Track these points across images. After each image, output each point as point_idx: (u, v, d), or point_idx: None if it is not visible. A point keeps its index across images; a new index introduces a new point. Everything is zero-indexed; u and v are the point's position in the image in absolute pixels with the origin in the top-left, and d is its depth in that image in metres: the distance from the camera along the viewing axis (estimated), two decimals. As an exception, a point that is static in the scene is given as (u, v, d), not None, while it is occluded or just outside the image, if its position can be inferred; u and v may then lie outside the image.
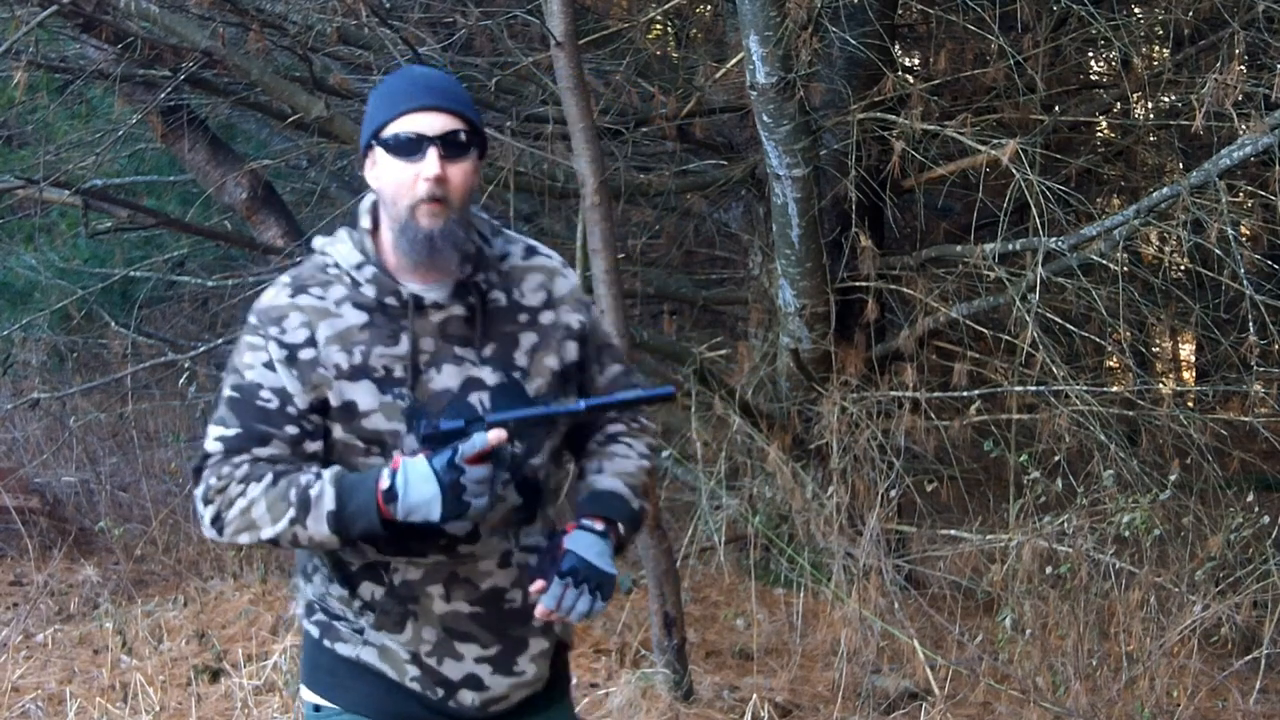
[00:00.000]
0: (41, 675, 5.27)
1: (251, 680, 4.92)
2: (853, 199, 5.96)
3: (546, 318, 2.29)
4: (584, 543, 2.18)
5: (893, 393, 5.92)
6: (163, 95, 6.26)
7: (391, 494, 2.08)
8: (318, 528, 2.12)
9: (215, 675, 5.16)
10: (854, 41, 5.88)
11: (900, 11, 6.75)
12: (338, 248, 2.25)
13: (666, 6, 6.89)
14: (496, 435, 2.09)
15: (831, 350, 6.14)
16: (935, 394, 6.00)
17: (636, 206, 7.22)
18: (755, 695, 4.77)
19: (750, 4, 5.20)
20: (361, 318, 2.20)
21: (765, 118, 5.54)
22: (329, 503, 2.11)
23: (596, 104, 5.98)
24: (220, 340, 8.58)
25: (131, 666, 5.28)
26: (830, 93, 6.06)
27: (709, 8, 7.76)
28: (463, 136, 2.18)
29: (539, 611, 2.16)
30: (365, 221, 2.26)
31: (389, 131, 2.17)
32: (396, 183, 2.17)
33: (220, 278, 8.39)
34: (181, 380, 7.88)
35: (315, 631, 2.31)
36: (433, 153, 2.15)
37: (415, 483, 2.07)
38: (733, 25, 6.78)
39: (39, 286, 8.44)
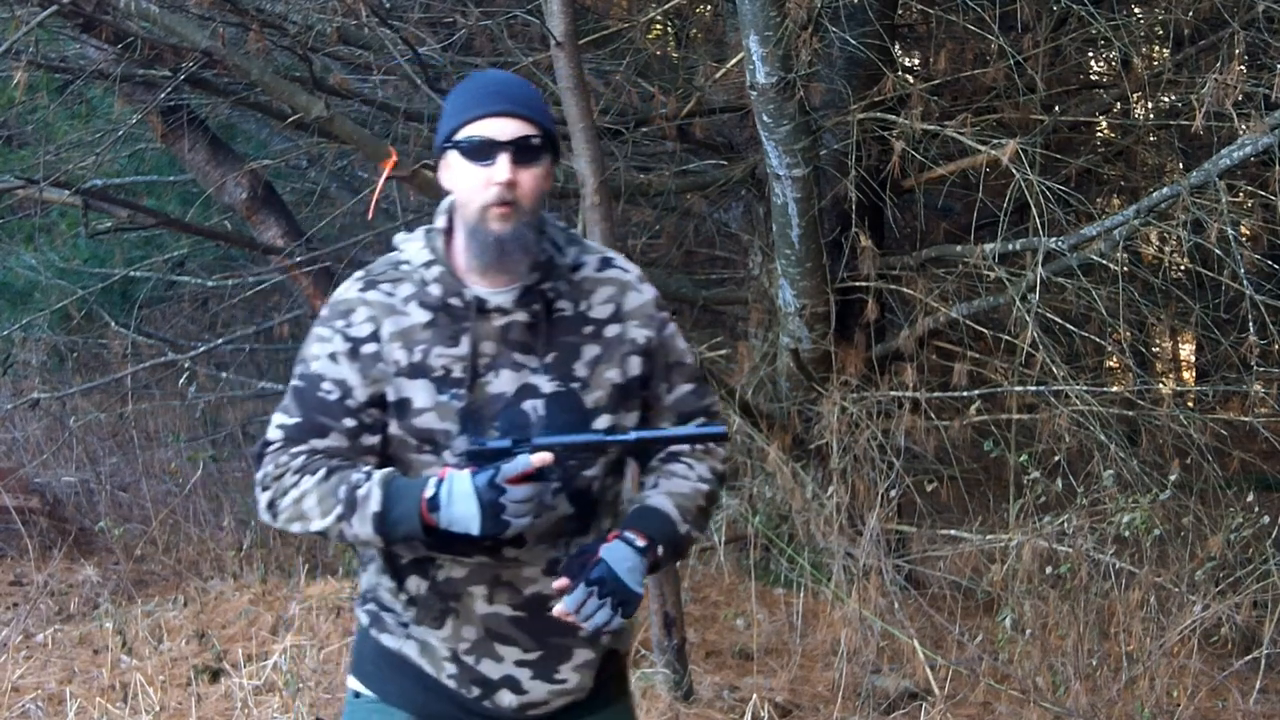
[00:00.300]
0: (41, 675, 5.27)
1: (251, 680, 4.92)
2: (853, 199, 5.96)
3: (612, 331, 2.27)
4: (619, 555, 2.16)
5: (893, 393, 5.92)
6: (163, 95, 6.26)
7: (435, 504, 2.10)
8: (363, 527, 2.15)
9: (215, 675, 5.16)
10: (854, 41, 5.88)
11: (900, 11, 6.75)
12: (411, 245, 2.28)
13: (666, 6, 6.89)
14: (541, 458, 2.09)
15: (831, 350, 6.14)
16: (935, 394, 6.00)
17: (636, 206, 7.22)
18: (755, 695, 4.77)
19: (750, 4, 5.20)
20: (425, 316, 2.21)
21: (765, 118, 5.54)
22: (375, 504, 2.13)
23: (596, 104, 5.98)
24: (220, 340, 8.60)
25: (131, 666, 5.28)
26: (830, 93, 6.06)
27: (709, 8, 7.76)
28: (535, 142, 2.19)
29: (557, 609, 2.15)
30: (440, 221, 2.27)
31: (462, 135, 2.19)
32: (468, 186, 2.19)
33: (220, 278, 8.40)
34: (181, 380, 7.90)
35: (365, 620, 2.33)
36: (504, 158, 2.16)
37: (457, 497, 2.09)
38: (733, 25, 6.78)
39: (39, 286, 8.44)
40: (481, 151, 2.17)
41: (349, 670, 2.40)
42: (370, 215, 6.69)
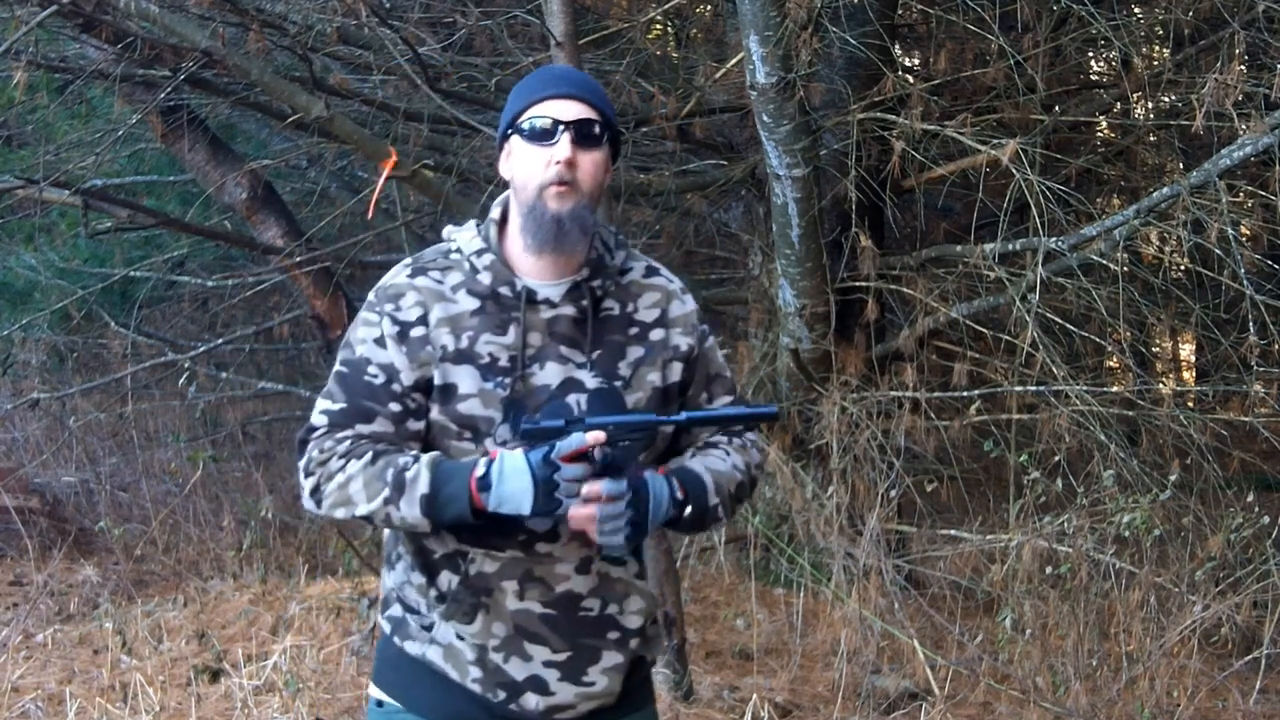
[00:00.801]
0: (41, 675, 5.27)
1: (251, 680, 4.92)
2: (853, 199, 5.96)
3: (656, 335, 2.30)
4: (660, 490, 2.16)
5: (893, 393, 5.92)
6: (163, 95, 6.26)
7: (485, 482, 2.10)
8: (410, 510, 2.14)
9: (215, 675, 5.16)
10: (854, 41, 5.88)
11: (900, 11, 6.75)
12: (463, 234, 2.30)
13: (666, 6, 6.89)
14: (595, 436, 2.09)
15: (831, 350, 6.14)
16: (935, 394, 6.00)
17: (636, 206, 7.22)
18: (755, 695, 4.77)
19: (750, 4, 5.20)
20: (474, 304, 2.23)
21: (765, 118, 5.54)
22: (423, 486, 2.13)
23: (597, 104, 5.96)
24: (220, 340, 8.60)
25: (131, 666, 5.28)
26: (830, 93, 6.06)
27: (709, 8, 7.76)
28: (596, 128, 2.22)
29: (589, 490, 2.10)
30: (495, 212, 2.30)
31: (525, 118, 2.22)
32: (528, 169, 2.21)
33: (220, 278, 8.40)
34: (181, 380, 7.90)
35: (388, 627, 2.33)
36: (565, 137, 2.19)
37: (510, 475, 2.09)
38: (733, 25, 6.78)
39: (39, 286, 8.45)
40: (544, 133, 2.20)
41: (370, 679, 2.39)
42: (370, 215, 6.68)
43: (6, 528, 7.29)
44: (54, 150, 7.16)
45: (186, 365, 7.75)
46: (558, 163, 2.18)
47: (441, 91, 6.05)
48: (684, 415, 2.21)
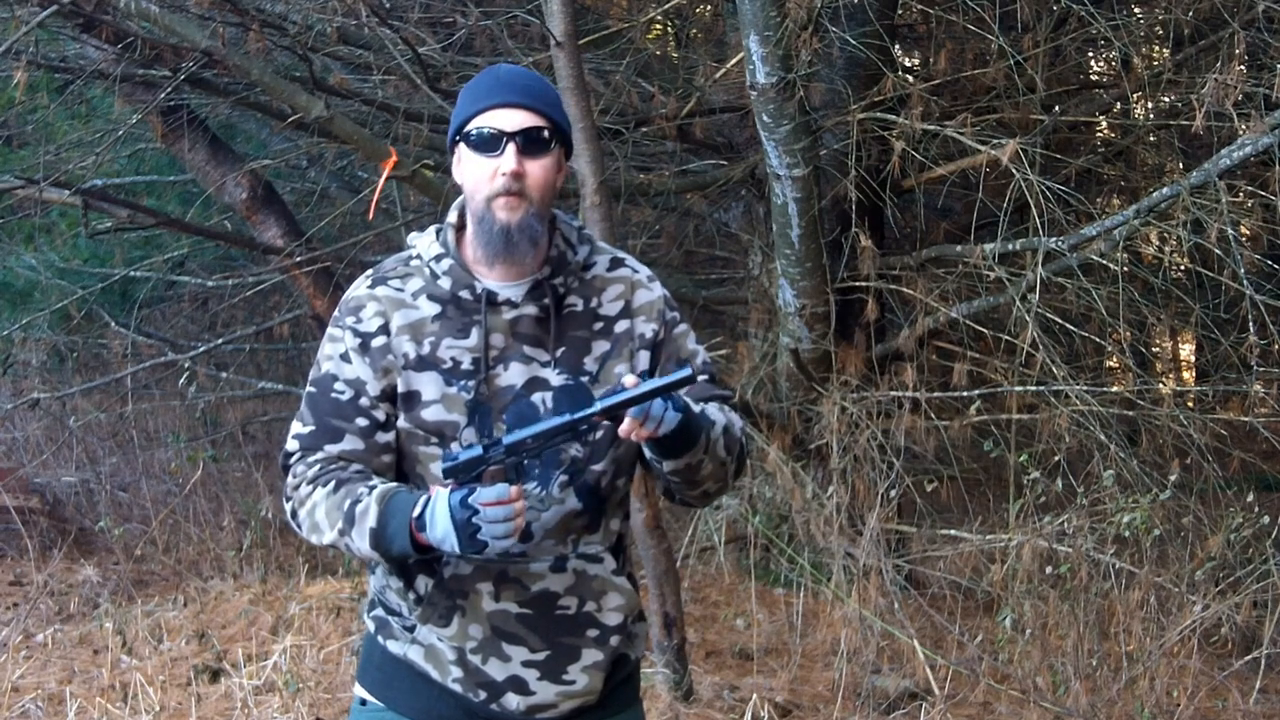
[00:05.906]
0: (41, 675, 5.27)
1: (251, 680, 4.92)
2: (853, 199, 5.97)
3: (621, 326, 2.29)
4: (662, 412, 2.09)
5: (893, 393, 5.92)
6: (163, 95, 6.27)
7: (421, 523, 2.10)
8: (361, 543, 2.15)
9: (215, 675, 5.16)
10: (854, 41, 5.88)
11: (900, 11, 6.75)
12: (422, 240, 2.30)
13: (666, 6, 6.89)
14: (517, 491, 2.07)
15: (831, 350, 6.14)
16: (935, 394, 6.00)
17: (636, 206, 7.22)
18: (755, 695, 4.77)
19: (750, 4, 5.20)
20: (435, 309, 2.23)
21: (765, 118, 5.54)
22: (371, 520, 2.14)
23: (596, 104, 5.98)
24: (220, 340, 8.60)
25: (131, 666, 5.29)
26: (830, 93, 6.06)
27: (709, 8, 7.77)
28: (544, 134, 2.21)
29: (626, 427, 2.07)
30: (453, 217, 2.30)
31: (471, 127, 2.21)
32: (476, 178, 2.21)
33: (220, 278, 8.41)
34: (181, 380, 7.90)
35: (372, 627, 2.33)
36: (511, 148, 2.18)
37: (438, 516, 2.08)
38: (733, 25, 6.79)
39: (39, 286, 8.45)
40: (489, 143, 2.19)
41: (355, 678, 2.40)
42: (370, 215, 6.69)
43: (6, 528, 7.30)
44: (54, 150, 7.15)
45: (186, 365, 7.76)
46: (504, 174, 2.17)
47: (441, 91, 6.05)
48: (599, 405, 2.11)
